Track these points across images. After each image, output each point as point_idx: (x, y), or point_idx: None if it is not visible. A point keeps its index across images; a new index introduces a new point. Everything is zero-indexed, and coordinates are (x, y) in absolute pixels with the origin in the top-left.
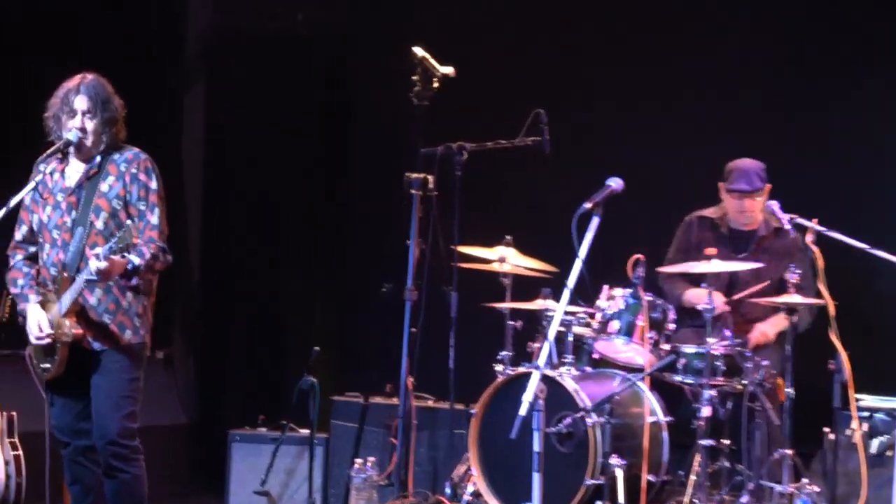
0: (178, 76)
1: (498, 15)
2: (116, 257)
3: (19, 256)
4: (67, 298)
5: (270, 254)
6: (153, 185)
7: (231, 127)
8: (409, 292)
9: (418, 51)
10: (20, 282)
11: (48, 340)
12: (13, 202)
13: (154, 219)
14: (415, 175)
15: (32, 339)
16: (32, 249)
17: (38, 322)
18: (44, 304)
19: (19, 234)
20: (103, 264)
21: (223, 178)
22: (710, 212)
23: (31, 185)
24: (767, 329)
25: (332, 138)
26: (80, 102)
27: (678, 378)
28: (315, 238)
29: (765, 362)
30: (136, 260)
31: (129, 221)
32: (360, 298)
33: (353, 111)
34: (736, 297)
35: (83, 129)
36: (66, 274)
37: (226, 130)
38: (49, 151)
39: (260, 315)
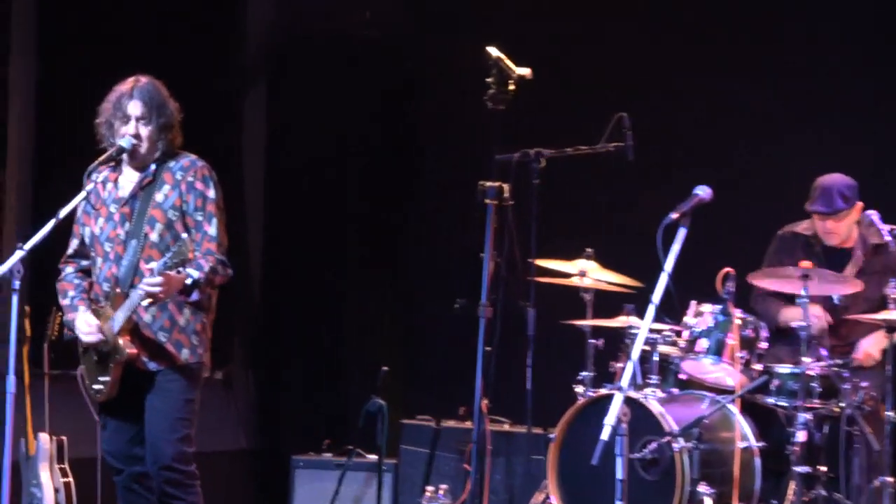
0: (237, 79)
1: (576, 11)
2: (172, 272)
3: (70, 269)
4: (121, 315)
5: (335, 267)
6: (211, 193)
7: (293, 132)
8: (483, 308)
9: (493, 51)
10: (70, 293)
11: (99, 336)
12: (63, 213)
13: (212, 230)
14: (489, 183)
15: (83, 337)
16: (85, 263)
17: (86, 321)
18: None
19: (70, 248)
20: (158, 279)
21: (285, 186)
22: (803, 227)
23: (82, 195)
24: (872, 349)
25: (400, 144)
26: (134, 108)
27: (771, 400)
28: (382, 250)
29: (864, 384)
30: (195, 274)
31: (184, 234)
32: (430, 315)
33: (421, 115)
34: (845, 317)
35: (137, 136)
36: (119, 290)
37: (288, 136)
38: (101, 159)
39: (324, 333)
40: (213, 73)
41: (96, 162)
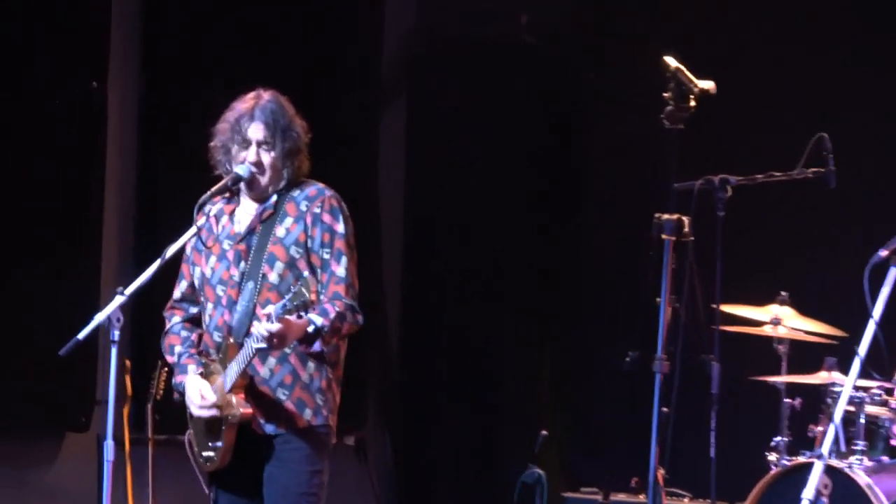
0: (373, 93)
1: (764, 16)
2: (292, 318)
3: (177, 319)
4: (234, 370)
5: (486, 314)
6: (340, 228)
7: (437, 156)
8: (658, 362)
9: (671, 61)
10: (178, 349)
11: (214, 412)
12: (170, 252)
13: (341, 270)
14: (666, 216)
15: (194, 410)
16: (193, 310)
17: (199, 390)
18: (206, 377)
19: (178, 292)
20: (275, 326)
21: (428, 219)
22: None
23: (193, 230)
24: None
25: (560, 168)
26: (255, 131)
27: None
28: (539, 292)
29: None
30: (319, 320)
31: (306, 273)
32: (596, 370)
33: (586, 136)
34: None
35: (258, 164)
36: (232, 340)
37: (431, 161)
38: (215, 189)
39: (474, 389)
40: (343, 89)
41: (209, 192)
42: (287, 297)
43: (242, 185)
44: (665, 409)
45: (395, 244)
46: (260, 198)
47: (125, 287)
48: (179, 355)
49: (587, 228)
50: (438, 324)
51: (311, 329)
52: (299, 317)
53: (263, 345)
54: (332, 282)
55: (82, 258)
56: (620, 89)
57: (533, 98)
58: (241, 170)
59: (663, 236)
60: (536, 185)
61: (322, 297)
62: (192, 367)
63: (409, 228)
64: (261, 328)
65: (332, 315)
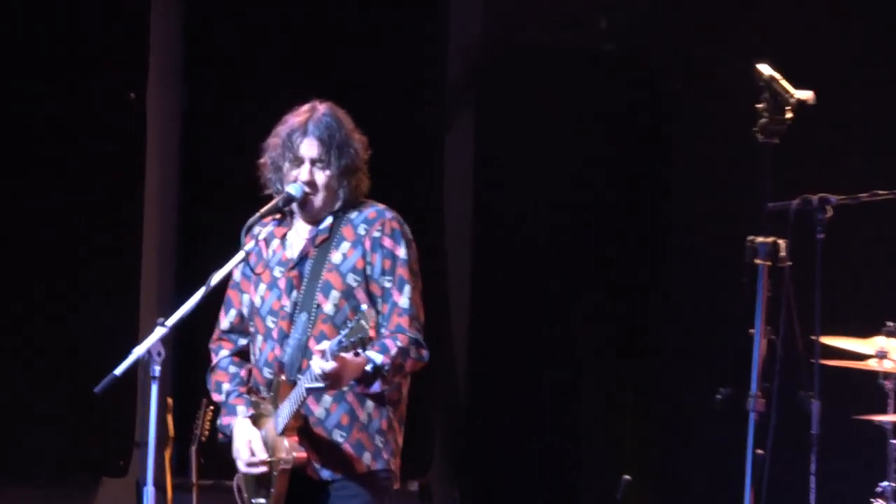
0: (438, 107)
1: (863, 18)
2: (348, 355)
3: (225, 352)
4: (286, 410)
5: (562, 347)
6: (402, 252)
7: (508, 173)
8: (753, 400)
9: (765, 69)
10: (225, 387)
11: (263, 469)
12: (215, 280)
13: (403, 300)
14: (760, 239)
15: (241, 467)
16: (242, 342)
17: (248, 443)
18: (256, 419)
19: (226, 322)
20: (330, 365)
21: (498, 243)
22: None
23: (241, 255)
24: None
25: (641, 187)
26: (308, 148)
27: None
28: (622, 326)
29: None
30: (378, 358)
31: (364, 306)
32: (683, 409)
33: (670, 151)
34: None
35: (311, 184)
36: (283, 377)
37: (501, 177)
38: (264, 210)
39: (549, 432)
40: (405, 102)
41: (258, 213)
42: (343, 331)
43: (295, 207)
44: (760, 452)
45: (462, 269)
46: (314, 220)
47: (166, 318)
48: (227, 394)
49: (672, 253)
50: (510, 357)
51: (369, 368)
52: (356, 354)
53: (318, 384)
54: (394, 313)
55: (119, 287)
56: (708, 100)
57: (611, 110)
58: (293, 189)
59: (757, 261)
60: (615, 206)
61: (383, 330)
62: (241, 409)
63: (478, 252)
64: (314, 366)
65: (394, 351)
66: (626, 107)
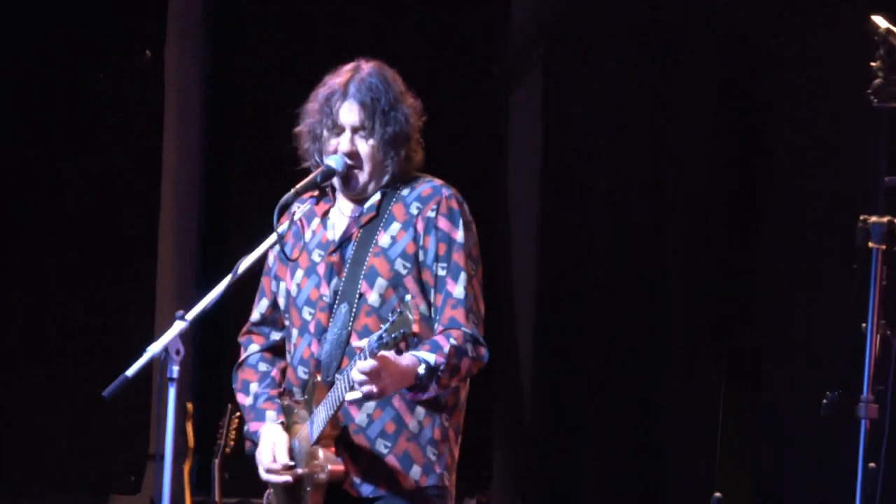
0: (499, 72)
1: None
2: (391, 353)
3: (255, 347)
4: (322, 415)
5: (643, 344)
6: (459, 236)
7: (581, 146)
8: (864, 405)
9: (880, 21)
10: (254, 388)
11: (285, 478)
12: (243, 266)
13: (459, 290)
14: (874, 219)
15: (262, 473)
16: (276, 337)
17: (272, 446)
18: (289, 427)
19: (257, 312)
20: (370, 363)
21: (569, 224)
22: None
23: (273, 238)
24: None
25: (733, 161)
26: (349, 113)
27: None
28: (708, 320)
29: None
30: (432, 358)
31: (409, 296)
32: (782, 416)
33: (768, 119)
34: None
35: (353, 155)
36: (320, 377)
37: (573, 151)
38: (301, 185)
39: (629, 441)
40: (463, 64)
41: (294, 190)
42: (384, 326)
43: (336, 181)
44: (872, 465)
45: (527, 255)
46: (358, 197)
47: (186, 311)
48: (256, 396)
49: (769, 238)
50: (584, 356)
51: (422, 371)
52: (399, 351)
53: (358, 394)
54: (447, 305)
55: (133, 276)
56: (812, 59)
57: (698, 71)
58: (333, 162)
59: (870, 244)
60: (703, 183)
61: (437, 325)
62: (270, 414)
63: (546, 235)
64: (354, 373)
65: (447, 350)
66: (714, 70)
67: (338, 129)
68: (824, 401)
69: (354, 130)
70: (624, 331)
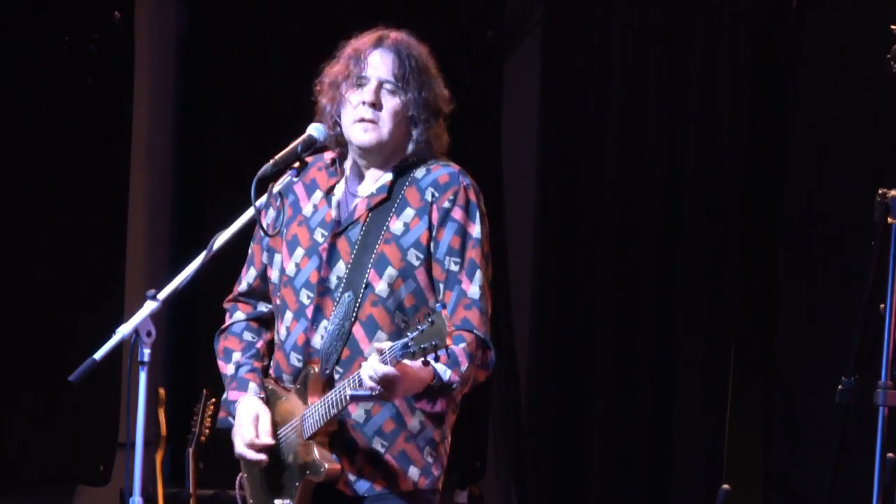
0: (495, 43)
1: None
2: (414, 364)
3: (241, 315)
4: (318, 413)
5: (646, 330)
6: (476, 230)
7: (582, 121)
8: (883, 392)
9: None
10: (236, 356)
11: (263, 457)
12: (219, 242)
13: (474, 289)
14: (893, 192)
15: (240, 447)
16: (263, 309)
17: (255, 420)
18: (271, 409)
19: (244, 283)
20: (386, 369)
21: (571, 209)
22: None
23: (263, 199)
24: None
25: (749, 135)
26: (380, 64)
27: None
28: (716, 300)
29: None
30: (447, 374)
31: (438, 305)
32: (795, 402)
33: (788, 86)
34: None
35: (375, 105)
36: (316, 369)
37: (573, 127)
38: (279, 157)
39: (633, 433)
40: (457, 35)
41: (272, 161)
42: (412, 334)
43: (354, 153)
44: (891, 455)
45: (524, 243)
46: (370, 166)
47: (158, 290)
48: (238, 366)
49: (793, 213)
50: (584, 349)
51: (436, 383)
52: (425, 363)
53: (363, 392)
54: (460, 304)
55: (101, 251)
56: (829, 20)
57: (717, 34)
58: (314, 130)
59: (890, 220)
60: (717, 161)
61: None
62: (253, 386)
63: (544, 223)
64: (365, 372)
65: (465, 367)
66: (725, 32)
67: (361, 81)
68: (840, 387)
69: (381, 84)
70: (623, 314)
